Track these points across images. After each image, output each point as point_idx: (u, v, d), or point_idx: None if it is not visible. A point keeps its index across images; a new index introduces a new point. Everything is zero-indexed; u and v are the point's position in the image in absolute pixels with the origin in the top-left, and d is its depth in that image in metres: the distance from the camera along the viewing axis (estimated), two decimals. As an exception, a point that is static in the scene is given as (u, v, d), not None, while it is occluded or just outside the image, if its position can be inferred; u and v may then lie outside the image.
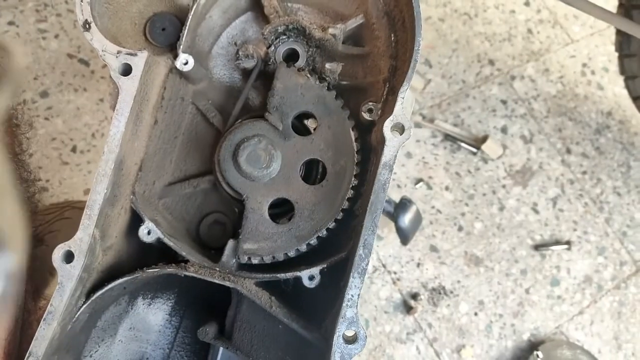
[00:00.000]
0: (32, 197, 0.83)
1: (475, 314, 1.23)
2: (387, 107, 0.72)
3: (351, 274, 0.65)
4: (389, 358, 1.17)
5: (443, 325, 1.22)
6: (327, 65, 0.75)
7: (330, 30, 0.75)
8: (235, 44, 0.81)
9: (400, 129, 0.67)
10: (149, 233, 0.72)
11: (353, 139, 0.73)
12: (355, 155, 0.73)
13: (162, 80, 0.72)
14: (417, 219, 1.17)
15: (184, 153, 0.81)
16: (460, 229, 1.27)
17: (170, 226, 0.77)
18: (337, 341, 0.64)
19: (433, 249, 1.24)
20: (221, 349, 0.76)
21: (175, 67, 0.73)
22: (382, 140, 0.68)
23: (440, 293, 1.25)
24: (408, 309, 1.19)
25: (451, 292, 1.23)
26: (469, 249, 1.27)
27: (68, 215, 1.02)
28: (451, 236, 1.27)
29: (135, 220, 0.73)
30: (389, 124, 0.66)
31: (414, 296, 1.19)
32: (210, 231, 0.80)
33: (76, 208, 1.03)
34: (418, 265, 1.22)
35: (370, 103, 0.74)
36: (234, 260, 0.72)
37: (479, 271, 1.27)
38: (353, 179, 0.72)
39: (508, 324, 1.24)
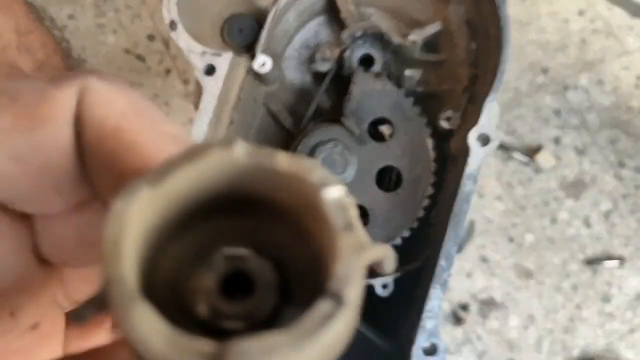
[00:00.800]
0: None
1: (525, 327, 1.21)
2: (468, 116, 0.71)
3: (432, 284, 0.64)
4: (437, 368, 1.16)
5: (492, 338, 1.20)
6: (407, 72, 0.74)
7: (411, 37, 0.74)
8: (309, 46, 0.81)
9: (484, 139, 0.65)
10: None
11: (430, 147, 0.72)
12: (432, 163, 0.72)
13: (240, 81, 0.72)
14: (470, 229, 1.15)
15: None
16: (511, 240, 1.25)
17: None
18: (416, 353, 0.63)
19: (483, 259, 1.22)
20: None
21: (252, 69, 0.73)
22: (463, 150, 0.67)
23: (490, 305, 1.22)
24: (457, 320, 1.17)
25: (501, 305, 1.20)
26: (519, 261, 1.25)
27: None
28: (502, 247, 1.25)
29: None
30: (474, 133, 0.65)
31: (464, 307, 1.18)
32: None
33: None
34: (468, 275, 1.21)
35: (449, 111, 0.73)
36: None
37: (530, 284, 1.24)
38: (429, 188, 0.71)
39: (558, 339, 1.21)
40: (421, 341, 0.63)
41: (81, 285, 0.26)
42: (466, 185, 0.64)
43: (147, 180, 0.18)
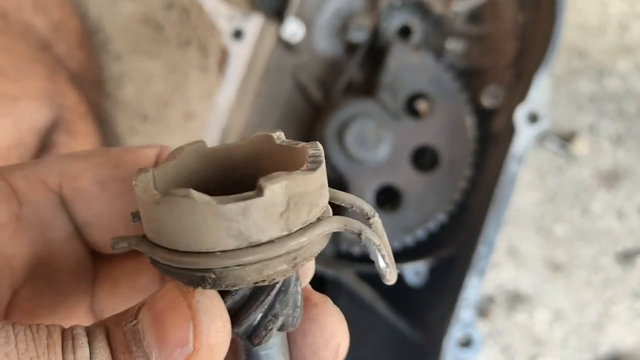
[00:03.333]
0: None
1: (552, 322, 1.16)
2: (513, 94, 0.66)
3: (468, 272, 0.59)
4: (458, 360, 1.12)
5: (517, 332, 1.15)
6: (448, 45, 0.69)
7: (453, 6, 0.68)
8: (341, 15, 0.76)
9: (533, 117, 0.60)
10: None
11: (470, 125, 0.67)
12: (472, 143, 0.67)
13: (270, 49, 0.68)
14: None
15: (280, 128, 0.76)
16: (540, 230, 1.19)
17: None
18: (449, 344, 0.59)
19: (511, 249, 1.17)
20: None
21: (282, 37, 0.69)
22: (509, 129, 0.62)
23: (516, 298, 1.18)
24: (481, 313, 1.13)
25: (528, 298, 1.16)
26: (548, 252, 1.20)
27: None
28: (530, 238, 1.19)
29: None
30: (522, 111, 0.60)
31: (490, 299, 1.13)
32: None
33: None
34: (494, 266, 1.16)
35: (492, 87, 0.68)
36: (333, 247, 0.68)
37: (558, 277, 1.19)
38: (468, 169, 0.66)
39: (586, 335, 1.16)
40: (455, 332, 0.59)
41: (106, 302, 0.30)
42: (511, 166, 0.59)
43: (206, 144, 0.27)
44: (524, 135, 0.59)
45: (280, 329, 0.26)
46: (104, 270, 0.30)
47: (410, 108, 0.71)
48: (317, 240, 0.24)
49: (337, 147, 0.68)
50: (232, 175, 0.28)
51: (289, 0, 0.69)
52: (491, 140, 0.66)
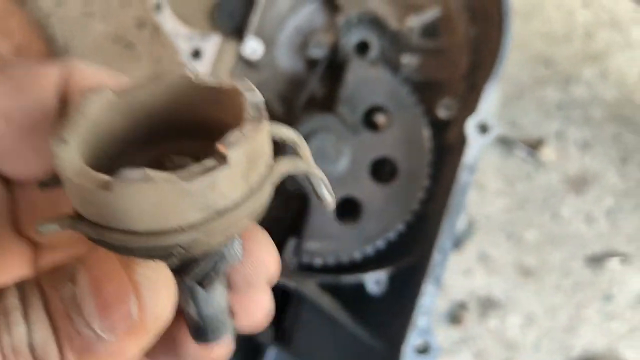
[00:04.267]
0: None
1: (524, 327, 1.18)
2: (467, 105, 0.68)
3: (424, 280, 0.61)
4: (433, 367, 1.13)
5: (490, 337, 1.17)
6: (404, 59, 0.71)
7: (408, 22, 0.71)
8: (302, 32, 0.78)
9: (483, 128, 0.62)
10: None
11: (427, 137, 0.69)
12: (429, 154, 0.69)
13: (229, 67, 0.69)
14: (470, 225, 1.12)
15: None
16: (510, 237, 1.22)
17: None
18: (408, 351, 0.60)
19: (482, 256, 1.19)
20: (274, 352, 0.73)
21: (242, 55, 0.70)
22: (461, 140, 0.64)
23: (488, 303, 1.19)
24: (455, 319, 1.14)
25: (500, 303, 1.17)
26: (519, 258, 1.22)
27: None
28: (501, 244, 1.21)
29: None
30: (473, 122, 0.62)
31: (462, 306, 1.15)
32: (265, 228, 0.77)
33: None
34: (466, 273, 1.17)
35: (447, 100, 0.70)
36: (295, 260, 0.69)
37: (529, 282, 1.21)
38: (426, 180, 0.68)
39: (558, 339, 1.18)
40: (413, 339, 0.60)
41: (32, 228, 0.28)
42: (462, 176, 0.61)
43: (114, 90, 0.24)
44: (475, 145, 0.61)
45: (228, 268, 0.26)
46: (24, 196, 0.28)
47: (369, 121, 0.73)
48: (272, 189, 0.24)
49: (297, 161, 0.69)
50: (149, 123, 0.25)
51: (249, 19, 0.71)
52: (446, 151, 0.68)
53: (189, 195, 0.20)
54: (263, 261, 0.29)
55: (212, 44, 0.64)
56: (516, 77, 1.43)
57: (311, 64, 0.76)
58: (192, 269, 0.25)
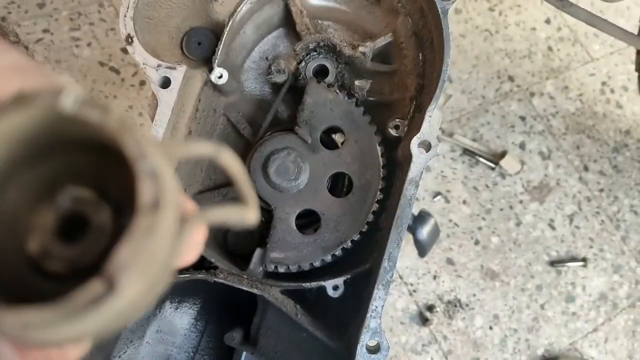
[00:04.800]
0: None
1: (490, 327, 1.24)
2: (414, 124, 0.74)
3: (376, 285, 0.67)
4: (403, 369, 1.19)
5: (458, 338, 1.23)
6: (357, 82, 0.77)
7: (360, 49, 0.77)
8: (267, 58, 0.84)
9: (426, 146, 0.69)
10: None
11: (379, 154, 0.75)
12: (381, 169, 0.75)
13: (197, 93, 0.75)
14: (435, 232, 1.18)
15: (214, 163, 0.83)
16: (476, 242, 1.28)
17: (199, 233, 0.79)
18: (361, 351, 0.66)
19: (449, 261, 1.26)
20: (244, 354, 0.79)
21: (210, 80, 0.76)
22: (408, 157, 0.70)
23: (455, 306, 1.26)
24: (424, 321, 1.20)
25: (467, 305, 1.24)
26: (485, 263, 1.28)
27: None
28: (468, 250, 1.28)
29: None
30: (416, 141, 0.69)
31: (430, 308, 1.21)
32: (237, 239, 0.83)
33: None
34: (434, 277, 1.24)
35: (397, 120, 0.77)
36: (260, 269, 0.75)
37: (495, 285, 1.28)
38: (378, 193, 0.75)
39: (522, 338, 1.25)
40: (365, 340, 0.66)
41: None
42: (408, 190, 0.68)
43: None
44: (418, 162, 0.68)
45: None
46: None
47: (329, 140, 0.80)
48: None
49: (262, 178, 0.75)
50: (32, 142, 0.22)
51: (216, 48, 0.77)
52: (397, 166, 0.75)
53: (75, 328, 0.18)
54: None
55: (179, 72, 0.70)
56: (481, 93, 1.51)
57: (275, 88, 0.83)
58: None
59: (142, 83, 1.29)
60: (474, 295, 1.28)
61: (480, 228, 1.32)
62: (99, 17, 1.26)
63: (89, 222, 0.22)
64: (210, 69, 0.77)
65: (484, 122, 1.41)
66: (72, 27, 1.25)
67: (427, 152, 0.69)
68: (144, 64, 0.69)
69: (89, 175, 0.23)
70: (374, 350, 0.66)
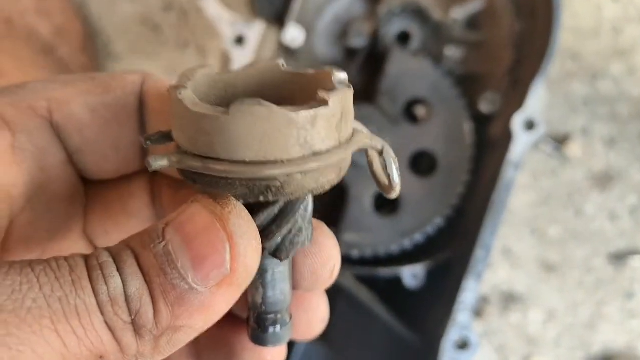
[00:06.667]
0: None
1: (545, 322, 1.17)
2: (510, 101, 0.67)
3: (466, 276, 0.61)
4: (453, 360, 1.13)
5: (511, 332, 1.17)
6: (446, 51, 0.70)
7: (452, 13, 0.69)
8: (340, 21, 0.77)
9: (529, 125, 0.61)
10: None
11: (468, 131, 0.68)
12: (470, 148, 0.68)
13: (270, 55, 0.68)
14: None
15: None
16: (534, 232, 1.21)
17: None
18: (446, 346, 0.60)
19: (505, 251, 1.19)
20: (304, 343, 0.73)
21: (283, 43, 0.69)
22: (506, 136, 0.63)
23: (510, 298, 1.19)
24: (476, 313, 1.14)
25: (522, 298, 1.17)
26: (542, 254, 1.21)
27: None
28: (525, 239, 1.21)
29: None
30: (519, 118, 0.61)
31: (484, 300, 1.15)
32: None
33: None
34: (489, 267, 1.17)
35: (490, 94, 0.69)
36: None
37: (551, 278, 1.21)
38: (466, 174, 0.68)
39: (578, 335, 1.18)
40: (452, 334, 0.60)
41: (99, 225, 0.30)
42: (508, 172, 0.61)
43: (217, 70, 0.28)
44: (521, 142, 0.61)
45: (301, 245, 0.28)
46: (95, 196, 0.30)
47: (409, 113, 0.72)
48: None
49: (336, 152, 0.68)
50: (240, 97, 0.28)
51: (290, 7, 0.70)
52: (488, 146, 0.67)
53: (295, 127, 0.23)
54: (329, 254, 0.30)
55: (255, 30, 0.63)
56: (543, 70, 1.41)
57: (350, 53, 0.75)
58: (267, 234, 0.27)
59: (186, 44, 1.23)
60: (530, 287, 1.22)
61: (538, 217, 1.24)
62: (143, -27, 1.19)
63: None
64: (283, 30, 0.70)
65: (546, 103, 1.32)
66: (116, -18, 1.18)
67: (529, 130, 0.61)
68: (217, 18, 0.62)
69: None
70: (462, 345, 0.60)
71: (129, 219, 0.30)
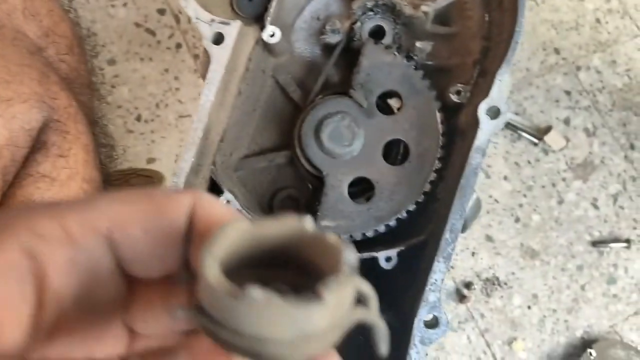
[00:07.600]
0: (111, 162, 0.84)
1: (529, 307, 1.21)
2: (478, 90, 0.70)
3: (436, 258, 0.64)
4: (439, 345, 1.17)
5: (495, 317, 1.20)
6: (417, 44, 0.73)
7: (423, 8, 0.72)
8: (318, 18, 0.80)
9: (494, 112, 0.65)
10: (227, 203, 0.72)
11: (439, 120, 0.71)
12: (440, 137, 0.71)
13: (249, 51, 0.72)
14: (477, 207, 1.14)
15: (261, 126, 0.80)
16: (517, 220, 1.24)
17: (245, 199, 0.77)
18: (418, 325, 0.63)
19: (489, 238, 1.22)
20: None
21: (261, 39, 0.73)
22: (473, 124, 0.66)
23: (494, 284, 1.23)
24: (461, 298, 1.18)
25: (505, 284, 1.21)
26: (525, 241, 1.24)
27: (133, 182, 1.03)
28: (507, 227, 1.24)
29: (213, 191, 0.73)
30: (485, 106, 0.64)
31: (467, 285, 1.18)
32: (282, 206, 0.80)
33: (141, 176, 1.04)
34: (473, 254, 1.21)
35: (459, 85, 0.72)
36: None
37: (534, 264, 1.24)
38: (437, 162, 0.71)
39: (561, 319, 1.22)
40: (423, 314, 0.63)
41: (139, 317, 0.34)
42: (474, 158, 0.64)
43: (249, 222, 0.31)
44: (486, 129, 0.64)
45: None
46: (139, 291, 0.34)
47: (384, 105, 0.76)
48: None
49: (314, 143, 0.72)
50: (262, 252, 0.32)
51: (268, 6, 0.73)
52: (458, 134, 0.71)
53: (291, 317, 0.27)
54: None
55: (233, 28, 0.66)
56: (525, 65, 1.45)
57: (327, 49, 0.78)
58: None
59: (179, 46, 1.26)
60: (513, 273, 1.25)
61: (521, 205, 1.28)
62: (134, -24, 1.22)
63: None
64: (262, 27, 0.73)
65: (528, 95, 1.35)
66: (107, -14, 1.21)
67: (494, 119, 0.64)
68: (196, 18, 0.66)
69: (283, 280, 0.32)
70: (432, 324, 0.63)
71: (166, 315, 0.33)
